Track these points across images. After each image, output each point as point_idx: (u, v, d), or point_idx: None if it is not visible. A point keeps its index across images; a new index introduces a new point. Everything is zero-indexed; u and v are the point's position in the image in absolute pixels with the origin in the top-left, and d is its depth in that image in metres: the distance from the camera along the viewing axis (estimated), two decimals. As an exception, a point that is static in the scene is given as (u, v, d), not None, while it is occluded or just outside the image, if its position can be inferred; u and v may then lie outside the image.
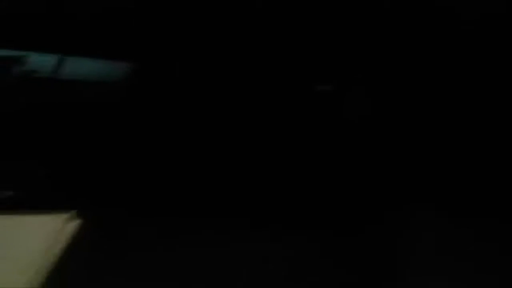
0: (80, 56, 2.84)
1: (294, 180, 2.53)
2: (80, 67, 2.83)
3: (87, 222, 2.22)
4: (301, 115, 2.78)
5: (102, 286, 1.96)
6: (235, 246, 2.14)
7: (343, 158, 2.62)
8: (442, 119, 2.69)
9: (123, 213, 2.28)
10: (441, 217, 2.32)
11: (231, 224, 2.27)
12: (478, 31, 2.66)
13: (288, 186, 2.50)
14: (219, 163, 2.58)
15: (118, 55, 2.85)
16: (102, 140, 2.63)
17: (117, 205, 2.32)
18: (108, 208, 2.31)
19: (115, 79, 2.81)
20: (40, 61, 2.80)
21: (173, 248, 2.12)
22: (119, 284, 1.97)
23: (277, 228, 2.26)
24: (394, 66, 2.79)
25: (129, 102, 2.74)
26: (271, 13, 2.73)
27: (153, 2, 2.72)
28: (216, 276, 1.99)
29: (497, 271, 2.03)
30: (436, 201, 2.39)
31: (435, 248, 2.15)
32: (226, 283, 1.96)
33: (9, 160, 2.51)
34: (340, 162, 2.61)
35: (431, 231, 2.24)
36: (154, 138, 2.65)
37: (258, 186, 2.49)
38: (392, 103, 2.79)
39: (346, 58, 2.80)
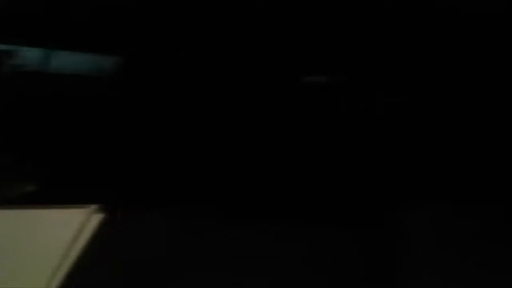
0: (70, 50, 2.82)
1: (292, 179, 2.53)
2: (70, 61, 2.83)
3: (112, 216, 2.19)
4: (292, 111, 2.74)
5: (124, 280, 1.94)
6: (235, 246, 2.14)
7: (342, 157, 2.62)
8: (443, 118, 2.70)
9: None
10: (441, 216, 2.32)
11: (231, 223, 2.27)
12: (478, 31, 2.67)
13: (287, 185, 2.50)
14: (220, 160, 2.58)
15: (109, 50, 2.82)
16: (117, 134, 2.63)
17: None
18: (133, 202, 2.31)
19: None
20: (29, 55, 2.81)
21: (173, 247, 2.12)
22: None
23: (276, 228, 2.26)
24: (393, 63, 2.79)
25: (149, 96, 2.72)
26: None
27: None
28: (216, 276, 1.99)
29: (498, 271, 2.03)
30: (436, 200, 2.39)
31: (435, 248, 2.15)
32: (227, 283, 1.95)
33: (23, 154, 2.49)
34: (340, 161, 2.61)
35: (431, 230, 2.24)
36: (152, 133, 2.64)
37: (257, 185, 2.48)
38: (390, 102, 2.80)
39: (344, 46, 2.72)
